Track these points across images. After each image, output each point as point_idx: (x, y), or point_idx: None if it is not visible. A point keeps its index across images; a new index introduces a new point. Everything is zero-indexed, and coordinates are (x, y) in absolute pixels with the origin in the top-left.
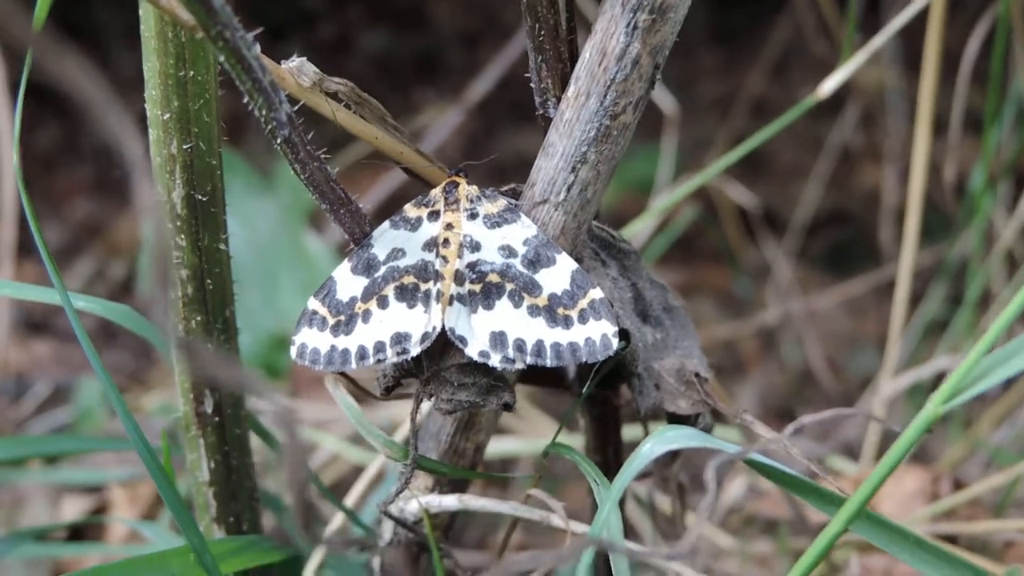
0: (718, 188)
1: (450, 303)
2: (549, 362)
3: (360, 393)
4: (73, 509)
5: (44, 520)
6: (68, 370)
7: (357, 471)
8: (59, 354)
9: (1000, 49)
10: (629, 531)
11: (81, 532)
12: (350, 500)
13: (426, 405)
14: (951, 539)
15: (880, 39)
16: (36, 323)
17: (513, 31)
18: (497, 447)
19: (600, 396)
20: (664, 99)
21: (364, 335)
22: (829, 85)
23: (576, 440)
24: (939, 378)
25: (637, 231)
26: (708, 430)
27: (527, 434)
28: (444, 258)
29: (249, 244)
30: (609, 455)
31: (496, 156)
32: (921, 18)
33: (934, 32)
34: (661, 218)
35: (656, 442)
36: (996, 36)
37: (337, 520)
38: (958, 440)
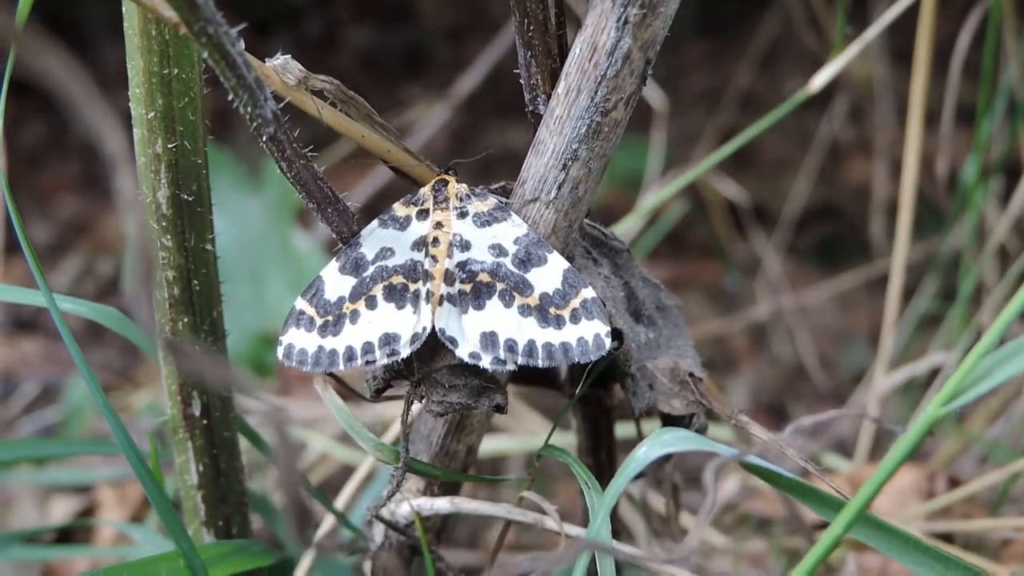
0: (707, 182)
1: (440, 303)
2: (541, 362)
3: (350, 394)
4: (62, 509)
5: (33, 520)
6: (57, 368)
7: (346, 469)
8: (48, 352)
9: (992, 42)
10: (622, 529)
11: (70, 533)
12: (341, 501)
13: (417, 406)
14: (947, 537)
15: (872, 32)
16: (25, 321)
17: (500, 25)
18: (488, 445)
19: (593, 396)
20: (652, 93)
21: (352, 336)
22: (820, 80)
23: (569, 438)
24: (933, 374)
25: (626, 229)
26: (702, 430)
27: (518, 432)
28: (434, 257)
29: (237, 241)
30: (602, 456)
31: (486, 153)
32: (910, 10)
33: (926, 25)
34: (650, 213)
35: (651, 446)
36: (988, 29)
37: (328, 522)
38: (952, 435)
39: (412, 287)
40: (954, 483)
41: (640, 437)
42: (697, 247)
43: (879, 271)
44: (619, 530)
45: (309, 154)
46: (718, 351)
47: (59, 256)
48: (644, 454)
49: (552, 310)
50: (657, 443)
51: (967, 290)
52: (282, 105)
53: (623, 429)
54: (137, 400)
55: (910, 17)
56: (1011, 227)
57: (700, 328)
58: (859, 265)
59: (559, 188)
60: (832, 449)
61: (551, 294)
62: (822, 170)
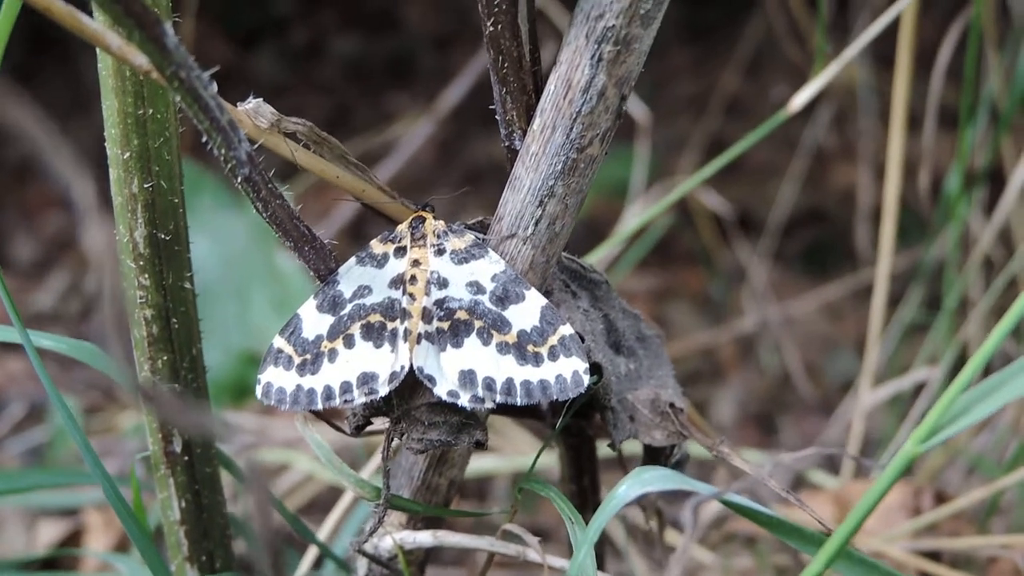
0: (692, 193)
1: (418, 341)
2: (519, 400)
3: (331, 428)
4: (49, 533)
5: (21, 544)
6: (44, 387)
7: (331, 490)
8: (35, 371)
9: (973, 51)
10: (609, 544)
11: (57, 559)
12: (324, 530)
13: (398, 441)
14: (934, 555)
15: (852, 51)
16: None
17: None
18: (474, 465)
19: (575, 426)
20: (635, 107)
21: (330, 375)
22: (800, 99)
23: (555, 460)
24: (919, 389)
25: (611, 244)
26: (684, 461)
27: (505, 451)
28: (411, 295)
29: (220, 259)
30: (585, 483)
31: (464, 191)
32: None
33: (906, 37)
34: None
35: (631, 485)
36: (969, 38)
37: (311, 552)
38: (938, 448)
39: (390, 325)
40: (941, 498)
41: (622, 465)
42: (683, 255)
43: (866, 280)
44: (606, 545)
45: (284, 193)
46: (705, 361)
47: (45, 272)
48: (624, 493)
49: (530, 347)
50: (637, 482)
51: (952, 303)
52: (256, 146)
53: (607, 448)
54: (124, 420)
55: (894, 21)
56: (995, 237)
57: (687, 339)
58: (846, 271)
59: (536, 224)
60: (819, 465)
61: (529, 331)
62: (808, 176)
